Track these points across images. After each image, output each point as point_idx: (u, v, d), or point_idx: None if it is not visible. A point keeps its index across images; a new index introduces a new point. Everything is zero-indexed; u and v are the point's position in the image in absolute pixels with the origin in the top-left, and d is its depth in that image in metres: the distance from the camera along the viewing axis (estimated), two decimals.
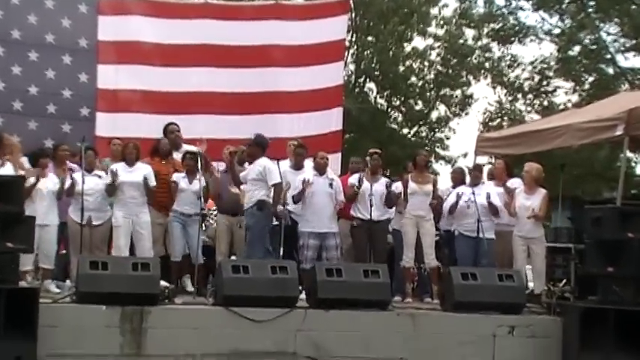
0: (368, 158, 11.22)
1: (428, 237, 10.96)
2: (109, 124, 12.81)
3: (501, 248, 11.00)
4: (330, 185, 10.82)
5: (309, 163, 11.20)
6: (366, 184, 10.84)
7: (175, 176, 10.63)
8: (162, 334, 8.67)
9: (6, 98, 12.60)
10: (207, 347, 8.72)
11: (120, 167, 10.36)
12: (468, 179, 11.57)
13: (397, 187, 11.09)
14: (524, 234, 10.83)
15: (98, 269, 8.75)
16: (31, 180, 9.77)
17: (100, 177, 10.39)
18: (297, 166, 11.17)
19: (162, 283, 9.15)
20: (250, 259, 9.78)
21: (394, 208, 11.10)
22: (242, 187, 10.66)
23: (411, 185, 10.95)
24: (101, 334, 8.50)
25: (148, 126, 12.63)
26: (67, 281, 10.14)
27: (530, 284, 10.88)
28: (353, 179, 11.07)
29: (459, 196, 10.93)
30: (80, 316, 8.54)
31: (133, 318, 8.59)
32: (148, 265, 8.96)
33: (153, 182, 10.41)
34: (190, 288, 10.19)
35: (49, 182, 10.16)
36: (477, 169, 11.56)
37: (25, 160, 10.41)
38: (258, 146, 10.63)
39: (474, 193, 10.82)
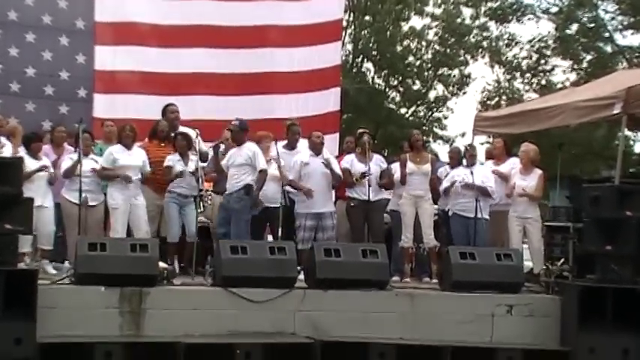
0: (366, 138, 11.16)
1: (426, 217, 10.96)
2: (106, 106, 12.79)
3: (497, 228, 11.01)
4: (324, 164, 10.78)
5: (304, 143, 11.17)
6: (360, 166, 10.82)
7: (169, 159, 10.57)
8: (161, 315, 8.67)
9: (3, 80, 12.60)
10: (205, 328, 8.73)
11: (118, 150, 10.33)
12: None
13: (394, 168, 11.09)
14: (519, 214, 10.84)
15: (97, 250, 8.75)
16: (34, 166, 9.84)
17: (96, 162, 10.38)
18: (291, 146, 11.16)
19: (161, 264, 9.16)
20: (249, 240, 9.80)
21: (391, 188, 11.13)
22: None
23: (409, 165, 10.94)
24: (100, 316, 8.51)
25: (146, 107, 12.61)
26: (66, 262, 10.14)
27: (527, 263, 10.88)
28: (346, 163, 11.01)
29: (453, 182, 10.89)
30: (79, 298, 8.55)
31: (132, 299, 8.59)
32: (147, 246, 8.95)
33: (147, 168, 10.41)
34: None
35: (44, 164, 10.16)
36: (472, 148, 11.53)
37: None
38: (244, 131, 10.59)
39: (472, 173, 10.80)
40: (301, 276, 9.51)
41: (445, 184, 11.01)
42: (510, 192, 10.94)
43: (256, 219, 10.50)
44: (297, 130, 11.26)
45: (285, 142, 11.28)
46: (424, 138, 11.89)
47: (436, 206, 11.29)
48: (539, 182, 10.92)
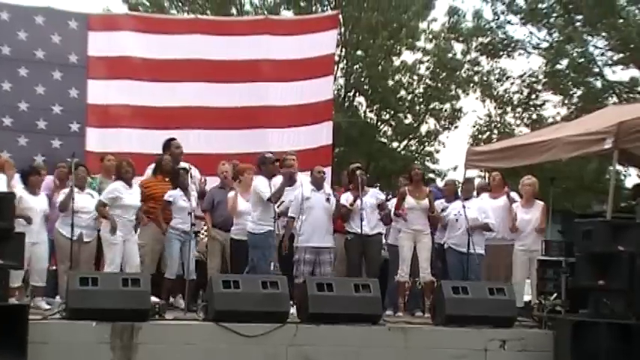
0: (359, 173, 11.16)
1: (424, 251, 10.96)
2: (99, 140, 12.83)
3: (498, 262, 11.00)
4: (328, 200, 10.79)
5: (305, 178, 11.16)
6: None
7: (170, 194, 10.54)
8: (153, 350, 8.62)
9: None
10: None
11: (120, 188, 10.30)
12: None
13: (391, 203, 11.08)
14: (527, 247, 10.88)
15: (88, 285, 8.71)
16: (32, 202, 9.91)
17: (92, 196, 10.37)
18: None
19: (153, 298, 9.12)
20: (241, 274, 9.78)
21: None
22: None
23: (409, 200, 10.94)
24: (91, 351, 8.45)
25: (139, 141, 12.68)
26: (57, 297, 10.10)
27: (527, 297, 10.90)
28: (343, 199, 10.99)
29: (445, 211, 10.90)
30: (70, 333, 8.50)
31: (124, 334, 8.54)
32: (138, 281, 8.92)
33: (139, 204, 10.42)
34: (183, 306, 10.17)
35: (42, 201, 10.14)
36: (468, 182, 11.55)
37: (16, 178, 10.40)
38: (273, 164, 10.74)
39: (464, 207, 10.80)
40: (294, 310, 9.48)
41: (449, 217, 10.99)
42: (514, 226, 10.92)
43: (241, 249, 10.52)
44: (293, 165, 11.23)
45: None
46: (424, 174, 11.81)
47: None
48: (542, 214, 10.98)
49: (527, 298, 10.98)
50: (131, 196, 10.30)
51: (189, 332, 8.89)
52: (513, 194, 11.44)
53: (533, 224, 11.03)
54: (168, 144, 11.40)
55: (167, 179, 10.92)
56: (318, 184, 10.89)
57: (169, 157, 11.14)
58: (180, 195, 10.47)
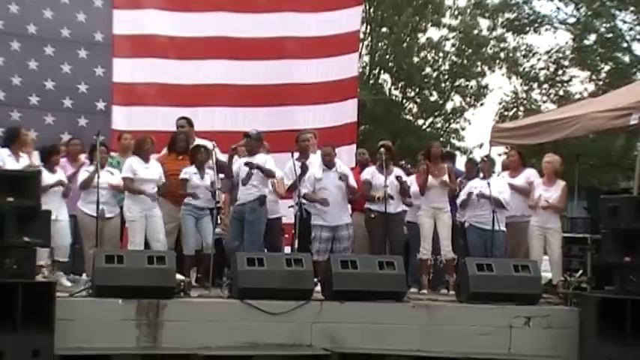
0: (382, 150, 11.13)
1: (444, 228, 10.93)
2: (125, 118, 12.84)
3: (517, 240, 10.95)
4: (340, 179, 10.77)
5: (316, 157, 11.15)
6: (380, 177, 10.82)
7: (185, 171, 10.57)
8: (178, 327, 8.70)
9: (22, 93, 12.64)
10: (222, 340, 8.74)
11: (135, 162, 10.38)
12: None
13: (411, 180, 11.07)
14: (541, 224, 10.77)
15: (114, 263, 8.80)
16: (51, 180, 9.90)
17: (112, 174, 10.43)
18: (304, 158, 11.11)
19: (178, 276, 9.18)
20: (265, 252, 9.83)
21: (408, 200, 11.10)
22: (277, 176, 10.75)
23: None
24: (117, 328, 8.54)
25: (164, 119, 12.66)
26: (83, 275, 10.18)
27: (546, 274, 10.84)
28: (367, 174, 11.01)
29: (470, 194, 10.85)
30: (96, 310, 8.59)
31: (149, 311, 8.62)
32: (164, 258, 8.99)
33: (163, 181, 10.47)
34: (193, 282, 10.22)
35: (58, 178, 10.21)
36: (487, 161, 11.48)
37: (36, 155, 10.48)
38: (259, 141, 10.66)
39: (489, 185, 10.74)
40: (318, 288, 9.51)
41: (462, 196, 10.97)
42: (535, 204, 10.84)
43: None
44: (307, 140, 11.34)
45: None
46: (443, 150, 11.73)
47: None
48: (562, 193, 10.88)
49: (545, 275, 10.87)
50: (147, 170, 10.33)
51: (214, 309, 8.95)
52: (531, 171, 11.30)
53: (551, 202, 10.87)
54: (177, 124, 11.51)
55: (180, 157, 10.95)
56: (328, 164, 10.87)
57: (183, 136, 11.16)
58: (195, 172, 10.50)
